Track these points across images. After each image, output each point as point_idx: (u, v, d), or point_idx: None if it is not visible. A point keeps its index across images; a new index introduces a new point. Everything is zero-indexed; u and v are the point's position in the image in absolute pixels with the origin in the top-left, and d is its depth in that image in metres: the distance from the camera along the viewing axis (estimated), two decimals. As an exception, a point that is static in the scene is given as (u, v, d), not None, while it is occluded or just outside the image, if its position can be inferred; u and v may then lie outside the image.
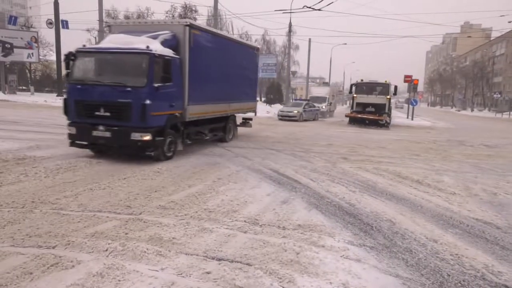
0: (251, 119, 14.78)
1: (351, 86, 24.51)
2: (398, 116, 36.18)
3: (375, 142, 15.23)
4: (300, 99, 37.68)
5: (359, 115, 23.08)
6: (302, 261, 4.04)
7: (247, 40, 54.63)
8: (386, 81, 23.61)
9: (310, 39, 48.67)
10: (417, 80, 31.02)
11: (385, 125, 22.29)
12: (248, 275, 3.68)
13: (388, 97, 23.04)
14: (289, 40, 45.01)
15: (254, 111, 14.91)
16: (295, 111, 26.38)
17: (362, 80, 24.32)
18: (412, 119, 31.28)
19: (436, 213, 6.00)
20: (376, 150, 12.84)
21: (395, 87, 23.89)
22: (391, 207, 6.21)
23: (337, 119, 30.77)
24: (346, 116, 24.27)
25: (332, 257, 4.20)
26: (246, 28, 71.99)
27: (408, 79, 30.57)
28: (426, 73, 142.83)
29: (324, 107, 32.13)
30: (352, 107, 24.34)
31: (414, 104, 31.01)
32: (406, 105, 46.28)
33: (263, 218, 5.38)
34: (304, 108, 27.03)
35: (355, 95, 23.86)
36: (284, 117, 26.24)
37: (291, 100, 37.03)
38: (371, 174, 8.64)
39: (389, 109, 23.45)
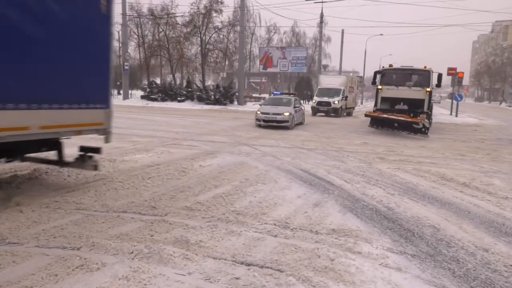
0: (98, 149, 6.92)
1: (375, 74, 17.77)
2: (440, 113, 35.10)
3: (414, 140, 14.86)
4: (280, 93, 25.24)
5: (385, 115, 16.57)
6: (337, 268, 3.99)
7: (275, 33, 54.70)
8: (425, 67, 17.11)
9: (343, 30, 48.09)
10: (462, 73, 29.94)
11: (423, 131, 15.59)
12: (279, 282, 3.67)
13: (429, 89, 16.39)
14: (321, 31, 44.65)
15: (105, 132, 7.15)
16: (286, 112, 17.45)
17: (390, 66, 17.89)
18: (456, 115, 30.29)
19: (486, 219, 5.77)
20: (416, 149, 12.52)
21: (439, 76, 16.89)
22: (434, 212, 6.03)
23: (353, 119, 26.78)
24: (366, 115, 17.70)
25: (370, 265, 4.12)
26: (274, 20, 71.85)
27: (452, 72, 29.57)
28: (472, 65, 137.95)
29: (337, 102, 26.44)
30: (375, 104, 17.67)
31: (459, 99, 30.02)
32: (447, 101, 44.83)
33: (294, 222, 5.36)
34: (294, 107, 18.71)
35: (379, 87, 17.21)
36: (268, 123, 17.27)
37: (271, 95, 25.12)
38: (411, 176, 8.43)
39: (430, 107, 17.11)
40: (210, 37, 41.85)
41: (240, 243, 4.55)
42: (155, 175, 7.69)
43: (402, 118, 15.80)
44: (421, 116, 15.92)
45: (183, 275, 3.75)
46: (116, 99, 33.04)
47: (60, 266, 3.82)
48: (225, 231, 4.85)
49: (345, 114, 28.38)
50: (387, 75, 17.41)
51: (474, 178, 8.33)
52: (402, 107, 16.72)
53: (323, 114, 27.36)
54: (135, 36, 44.75)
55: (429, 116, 16.73)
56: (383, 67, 18.30)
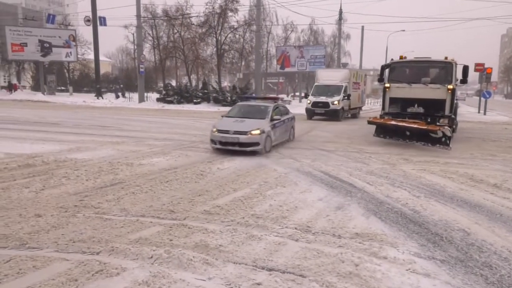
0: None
1: (382, 68, 14.02)
2: (467, 111, 34.36)
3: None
4: (255, 97, 17.58)
5: (392, 122, 12.81)
6: (362, 274, 3.95)
7: (292, 31, 54.62)
8: (447, 58, 13.21)
9: (363, 27, 47.68)
10: (491, 68, 29.22)
11: (443, 142, 11.66)
12: (302, 287, 3.66)
13: (451, 86, 12.60)
14: (339, 28, 44.34)
15: None
16: (255, 130, 10.79)
17: (402, 58, 13.90)
18: (484, 113, 29.59)
19: (520, 223, 5.62)
20: (442, 150, 12.28)
21: (465, 69, 12.73)
22: (463, 215, 5.91)
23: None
24: (370, 122, 13.65)
25: (397, 270, 4.07)
26: (292, 18, 71.79)
27: (479, 67, 28.90)
28: (500, 60, 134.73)
29: (336, 102, 21.84)
30: (383, 106, 13.93)
31: (487, 96, 29.31)
32: (474, 98, 43.86)
33: (315, 225, 5.33)
34: (272, 120, 11.70)
35: (387, 85, 13.57)
36: (227, 146, 10.78)
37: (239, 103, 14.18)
38: (438, 177, 8.28)
39: (453, 109, 13.30)
40: (225, 37, 42.08)
41: (260, 247, 4.55)
42: (173, 178, 7.76)
43: (415, 126, 11.99)
44: (441, 121, 12.50)
45: (204, 280, 3.78)
46: (132, 102, 33.57)
47: (80, 271, 3.90)
48: (245, 236, 4.86)
49: (349, 115, 24.20)
50: (397, 70, 13.56)
51: (506, 179, 8.12)
52: (416, 110, 13.00)
53: (320, 117, 22.56)
54: (150, 38, 45.38)
55: (452, 121, 12.90)
56: (391, 59, 14.19)
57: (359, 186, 7.54)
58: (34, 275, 3.83)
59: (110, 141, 12.10)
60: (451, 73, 12.75)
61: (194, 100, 33.94)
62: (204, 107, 31.67)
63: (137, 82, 37.17)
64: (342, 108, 22.37)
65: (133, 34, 43.64)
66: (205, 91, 35.83)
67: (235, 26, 42.58)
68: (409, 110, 13.14)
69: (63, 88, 49.88)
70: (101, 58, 47.68)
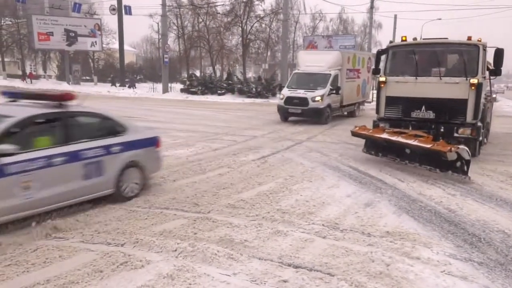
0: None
1: (378, 54, 10.16)
2: (507, 105, 33.17)
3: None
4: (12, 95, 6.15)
5: (383, 136, 8.84)
6: (393, 274, 3.88)
7: (320, 20, 53.96)
8: (470, 39, 9.14)
9: (395, 16, 46.55)
10: (534, 59, 28.03)
11: (460, 168, 7.67)
12: (330, 286, 3.63)
13: (476, 80, 8.64)
14: (371, 17, 43.49)
15: None
16: None
17: (404, 40, 9.85)
18: (526, 107, 28.49)
19: None
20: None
21: (498, 56, 8.86)
22: (503, 215, 5.71)
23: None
24: (354, 134, 9.62)
25: (431, 271, 3.97)
26: (320, 6, 70.84)
27: (521, 58, 27.77)
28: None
29: (319, 98, 15.80)
30: (377, 109, 9.89)
31: (529, 89, 28.13)
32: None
33: (344, 222, 5.27)
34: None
35: (382, 79, 9.65)
36: None
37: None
38: (475, 175, 8.01)
39: (479, 112, 8.97)
40: (251, 27, 41.95)
41: (286, 243, 4.53)
42: (197, 170, 7.82)
43: (415, 142, 8.00)
44: (460, 132, 8.71)
45: (228, 275, 3.79)
46: (156, 93, 34.02)
47: (105, 262, 3.99)
48: (271, 231, 4.85)
49: (345, 113, 18.46)
50: (398, 57, 9.70)
51: (550, 178, 7.79)
52: (424, 114, 9.03)
53: (297, 118, 16.44)
54: (175, 28, 45.68)
55: (477, 131, 8.83)
56: (390, 41, 11.14)
57: (389, 182, 7.40)
58: (60, 265, 3.94)
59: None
60: (477, 61, 8.74)
61: (219, 91, 34.06)
62: (228, 98, 31.76)
63: (161, 72, 37.59)
64: (329, 106, 16.09)
65: (158, 23, 44.12)
66: (230, 82, 35.89)
67: (261, 15, 42.37)
68: (414, 115, 9.08)
69: (87, 77, 51.02)
70: (126, 47, 48.42)
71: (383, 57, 9.82)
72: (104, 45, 46.50)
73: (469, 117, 8.68)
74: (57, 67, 53.35)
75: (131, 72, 51.37)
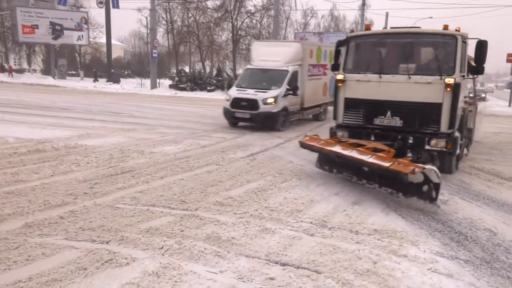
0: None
1: (337, 47, 8.26)
2: (496, 104, 33.66)
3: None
4: None
5: (334, 149, 7.00)
6: (380, 272, 3.92)
7: (312, 17, 54.07)
8: (447, 28, 7.41)
9: (387, 13, 46.83)
10: (524, 59, 28.45)
11: (427, 194, 5.91)
12: (317, 284, 3.66)
13: (452, 79, 6.99)
14: (362, 15, 43.69)
15: None
16: None
17: (368, 28, 8.47)
18: (515, 107, 28.91)
19: (551, 224, 5.50)
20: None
21: (480, 49, 7.10)
22: (490, 214, 5.81)
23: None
24: (302, 145, 7.88)
25: (417, 269, 4.03)
26: (312, 3, 70.95)
27: None
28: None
29: (271, 100, 13.10)
30: (334, 115, 8.24)
31: (519, 88, 28.58)
32: (505, 91, 42.80)
33: (332, 220, 5.32)
34: None
35: (339, 77, 7.99)
36: None
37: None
38: (463, 174, 8.14)
39: (455, 119, 7.29)
40: (242, 22, 41.87)
41: (274, 241, 4.56)
42: (185, 167, 7.81)
43: (370, 159, 6.32)
44: (432, 143, 7.20)
45: (215, 273, 3.81)
46: (144, 88, 33.80)
47: (89, 260, 3.97)
48: (259, 228, 4.87)
49: (310, 116, 16.18)
50: (360, 50, 8.19)
51: (537, 177, 7.94)
52: (390, 121, 7.48)
53: (247, 123, 13.81)
54: (164, 22, 45.44)
55: (454, 144, 7.25)
56: (351, 30, 8.63)
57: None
58: (43, 263, 3.91)
59: (121, 128, 12.23)
60: (454, 56, 7.17)
61: (208, 88, 33.97)
62: (218, 94, 31.70)
63: (149, 68, 37.37)
64: (284, 109, 13.50)
65: (146, 17, 43.78)
66: (220, 78, 35.83)
67: (252, 11, 42.31)
68: (377, 122, 7.55)
69: (74, 72, 50.50)
70: (113, 42, 48.05)
71: (343, 51, 8.05)
72: (91, 39, 46.05)
73: (443, 126, 7.10)
74: (42, 61, 52.69)
75: (118, 67, 50.93)
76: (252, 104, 13.01)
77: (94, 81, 38.50)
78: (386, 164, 5.96)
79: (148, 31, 42.67)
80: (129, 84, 38.97)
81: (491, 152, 10.81)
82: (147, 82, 36.84)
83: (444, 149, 7.15)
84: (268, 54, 14.47)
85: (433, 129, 7.16)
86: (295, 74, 14.09)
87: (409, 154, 7.33)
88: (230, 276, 3.77)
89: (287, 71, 13.81)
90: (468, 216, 5.68)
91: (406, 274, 3.90)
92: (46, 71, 47.91)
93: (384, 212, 5.75)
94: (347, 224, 5.21)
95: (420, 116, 7.25)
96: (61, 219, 4.98)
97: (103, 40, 44.09)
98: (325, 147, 7.20)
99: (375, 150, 6.60)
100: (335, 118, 8.13)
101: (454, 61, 7.16)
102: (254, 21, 43.20)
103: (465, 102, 8.49)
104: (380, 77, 7.48)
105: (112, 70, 40.88)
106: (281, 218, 5.29)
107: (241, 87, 13.84)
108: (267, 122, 13.20)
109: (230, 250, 4.28)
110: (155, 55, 34.35)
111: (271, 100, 13.02)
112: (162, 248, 4.25)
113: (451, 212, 5.81)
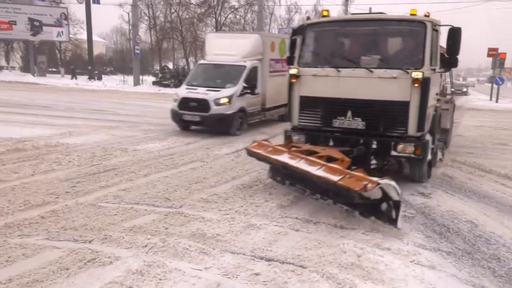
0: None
1: (293, 34, 7.25)
2: (478, 98, 34.28)
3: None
4: None
5: (281, 158, 5.99)
6: (364, 265, 3.97)
7: (296, 12, 54.22)
8: (414, 13, 6.45)
9: (370, 8, 47.20)
10: (505, 54, 29.06)
11: (386, 214, 4.99)
12: (302, 278, 3.69)
13: (420, 73, 6.05)
14: (346, 10, 43.87)
15: None
16: None
17: (325, 15, 7.23)
18: (496, 101, 29.49)
19: (530, 215, 5.65)
20: (451, 138, 12.27)
21: (453, 37, 6.33)
22: (471, 206, 5.93)
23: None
24: (249, 153, 6.74)
25: (401, 262, 4.09)
26: (295, -2, 70.96)
27: (493, 53, 28.76)
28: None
29: (225, 100, 11.42)
30: (289, 115, 7.33)
31: (500, 83, 29.16)
32: (486, 85, 43.55)
33: (317, 215, 5.35)
34: None
35: (293, 71, 7.01)
36: None
37: None
38: (446, 167, 8.27)
39: (424, 119, 6.27)
40: (226, 18, 41.76)
41: (259, 237, 4.58)
42: (170, 164, 7.78)
43: (319, 172, 5.25)
44: (399, 148, 6.36)
45: (200, 270, 3.81)
46: (127, 85, 33.45)
47: (71, 259, 3.93)
48: (244, 225, 4.88)
49: (275, 117, 14.40)
50: (317, 40, 7.22)
51: (517, 170, 8.12)
52: (350, 123, 6.59)
53: (198, 127, 12.10)
54: (146, 18, 45.00)
55: (424, 148, 6.36)
56: (307, 17, 7.93)
57: (363, 175, 7.54)
58: (23, 263, 3.86)
59: (103, 126, 12.09)
60: (423, 45, 6.23)
61: (192, 84, 33.79)
62: (202, 91, 31.56)
63: (132, 65, 36.98)
64: (242, 110, 11.86)
65: (128, 13, 43.23)
66: (204, 74, 35.63)
67: (235, 6, 42.23)
68: (337, 124, 6.64)
69: (54, 69, 49.63)
70: (95, 38, 47.33)
71: (299, 41, 7.02)
72: (71, 35, 45.26)
73: (411, 128, 6.20)
74: (21, 58, 51.62)
75: (100, 64, 50.31)
76: (202, 105, 11.29)
77: (72, 78, 37.85)
78: (335, 178, 4.93)
79: (130, 27, 42.17)
80: (111, 81, 38.48)
81: (472, 145, 11.02)
82: (130, 79, 36.43)
83: (412, 155, 6.28)
84: (223, 47, 12.76)
85: (400, 132, 6.30)
86: (253, 70, 12.46)
87: (373, 161, 6.61)
88: (215, 272, 3.78)
89: (244, 66, 12.16)
90: (450, 208, 5.78)
91: (389, 267, 3.96)
92: (25, 69, 47.00)
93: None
94: (331, 218, 5.25)
95: (385, 117, 6.36)
96: (42, 219, 4.92)
97: (84, 36, 43.34)
98: (271, 156, 6.13)
99: (330, 159, 5.61)
100: (290, 119, 7.21)
101: (422, 52, 6.20)
102: (238, 16, 43.17)
103: (438, 99, 7.47)
104: (339, 71, 6.52)
105: (90, 67, 40.15)
106: (266, 214, 5.31)
107: (192, 86, 12.16)
108: (220, 126, 11.51)
109: (215, 247, 4.28)
110: (137, 51, 33.98)
111: (224, 100, 11.37)
112: (146, 246, 4.23)
113: (433, 205, 5.90)
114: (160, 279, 3.60)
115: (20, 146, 8.61)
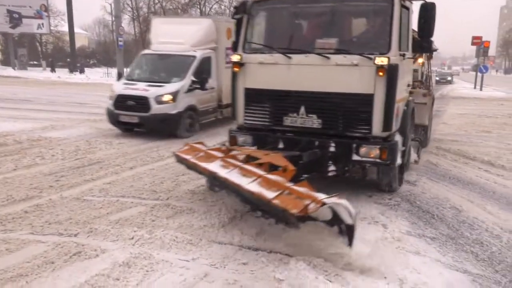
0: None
1: (235, 13, 5.98)
2: (463, 87, 34.74)
3: (433, 116, 14.71)
4: None
5: (213, 168, 4.71)
6: (345, 252, 4.01)
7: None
8: None
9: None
10: (488, 42, 29.44)
11: (345, 230, 3.80)
12: (289, 267, 3.72)
13: (385, 59, 4.94)
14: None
15: None
16: None
17: None
18: (481, 89, 29.92)
19: (513, 200, 5.79)
20: (436, 126, 12.44)
21: (425, 15, 5.24)
22: (456, 193, 6.04)
23: None
24: (178, 158, 5.63)
25: (385, 248, 4.16)
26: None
27: (477, 41, 29.09)
28: (499, 33, 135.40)
29: (169, 98, 9.73)
30: (232, 111, 6.13)
31: (484, 71, 29.56)
32: (471, 73, 44.14)
33: (304, 205, 5.38)
34: None
35: (235, 58, 5.80)
36: None
37: None
38: (430, 155, 8.39)
39: (393, 116, 5.20)
40: (210, 9, 41.49)
41: (247, 227, 4.59)
42: (156, 157, 7.75)
43: (250, 187, 4.06)
44: (362, 153, 5.30)
45: (187, 261, 3.82)
46: (111, 78, 33.07)
47: (57, 253, 3.91)
48: (231, 216, 4.89)
49: (226, 115, 11.28)
50: (265, 20, 6.16)
51: (500, 156, 8.29)
52: (304, 121, 5.47)
53: (139, 129, 10.08)
54: (129, 9, 44.45)
55: (392, 152, 5.27)
56: None
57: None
58: (7, 258, 3.82)
59: (87, 119, 11.96)
60: (389, 26, 5.18)
61: (177, 76, 33.56)
62: (188, 83, 31.39)
63: (115, 57, 36.51)
64: (191, 108, 10.23)
65: (110, 4, 42.54)
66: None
67: (220, -4, 41.87)
68: (288, 122, 5.56)
69: (35, 62, 48.79)
70: (76, 30, 46.65)
71: (244, 22, 5.87)
72: (52, 28, 44.57)
73: (376, 128, 5.15)
74: (1, 51, 50.70)
75: (83, 56, 49.59)
76: (141, 103, 9.57)
77: (51, 71, 37.22)
78: (270, 195, 3.80)
79: (113, 19, 41.58)
80: (95, 74, 38.02)
81: (457, 133, 11.20)
82: (114, 71, 35.98)
83: (378, 160, 5.22)
84: (170, 35, 10.93)
85: (363, 131, 5.23)
86: (205, 61, 10.72)
87: (332, 168, 5.49)
88: (202, 263, 3.80)
89: (194, 57, 10.43)
90: (435, 195, 5.88)
91: (374, 254, 4.00)
92: (5, 62, 46.16)
93: (354, 195, 5.86)
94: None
95: (345, 114, 5.27)
96: (25, 214, 4.87)
97: (65, 28, 42.73)
98: (199, 163, 4.97)
99: (273, 167, 4.56)
100: (234, 117, 6.06)
101: (389, 33, 5.10)
102: (222, 7, 42.84)
103: (411, 92, 6.63)
104: (290, 57, 5.40)
105: (69, 60, 39.56)
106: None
107: (132, 80, 10.54)
108: (164, 128, 9.80)
109: (202, 238, 4.29)
110: (121, 43, 33.47)
111: (167, 98, 9.68)
112: (132, 238, 4.22)
113: (418, 193, 5.99)
114: (147, 271, 3.61)
115: (1, 141, 8.48)
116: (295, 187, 3.90)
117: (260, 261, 3.83)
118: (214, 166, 4.73)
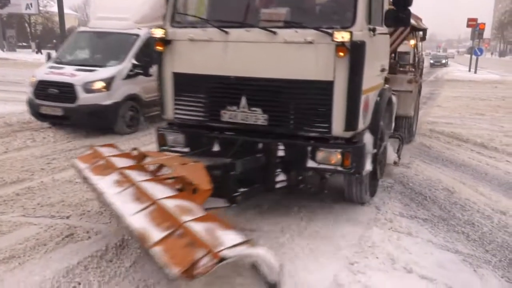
0: None
1: None
2: (458, 70, 34.76)
3: (427, 99, 14.77)
4: None
5: (103, 188, 3.36)
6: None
7: None
8: None
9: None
10: (484, 24, 29.38)
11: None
12: (282, 240, 3.76)
13: (347, 34, 3.58)
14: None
15: None
16: None
17: None
18: (475, 72, 29.97)
19: (505, 181, 5.87)
20: (430, 108, 12.49)
21: None
22: (448, 175, 6.10)
23: None
24: (76, 168, 4.10)
25: (378, 229, 4.21)
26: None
27: (472, 23, 29.03)
28: (494, 15, 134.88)
29: (101, 85, 7.84)
30: (161, 104, 4.76)
31: (479, 54, 29.56)
32: (465, 56, 44.10)
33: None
34: None
35: (159, 34, 4.44)
36: None
37: None
38: (424, 137, 8.44)
39: (359, 109, 3.93)
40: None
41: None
42: (149, 141, 7.73)
43: (132, 218, 2.85)
44: (319, 159, 4.02)
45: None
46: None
47: (49, 235, 3.92)
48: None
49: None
50: None
51: (493, 138, 8.36)
52: (246, 116, 4.19)
53: (64, 122, 8.27)
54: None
55: (358, 156, 4.03)
56: None
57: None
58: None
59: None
60: None
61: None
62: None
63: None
64: (132, 98, 8.43)
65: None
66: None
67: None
68: (227, 117, 4.29)
69: (25, 44, 48.04)
70: (66, 11, 45.74)
71: None
72: (41, 8, 43.74)
73: (337, 125, 3.94)
74: (-12, 32, 49.73)
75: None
76: (65, 92, 7.84)
77: (37, 52, 36.65)
78: (154, 237, 2.61)
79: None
80: (85, 56, 37.55)
81: (451, 115, 11.26)
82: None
83: (339, 168, 4.01)
84: (111, 9, 9.01)
85: (320, 130, 4.01)
86: (152, 42, 7.14)
87: (281, 177, 4.26)
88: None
89: (137, 35, 8.61)
90: (428, 177, 5.93)
91: (367, 234, 4.06)
92: (-7, 43, 45.30)
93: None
94: (307, 188, 5.22)
95: (296, 108, 4.04)
96: (17, 196, 4.86)
97: (55, 9, 41.83)
98: (91, 176, 3.70)
99: (179, 187, 3.38)
100: (161, 111, 4.78)
101: (354, 3, 3.86)
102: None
103: (386, 78, 5.25)
104: (227, 32, 4.13)
105: (54, 41, 38.90)
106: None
107: (60, 63, 8.67)
108: (94, 122, 8.02)
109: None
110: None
111: (99, 85, 7.89)
112: (125, 220, 4.22)
113: (411, 175, 6.04)
114: (141, 252, 3.62)
115: (-9, 123, 8.40)
116: (193, 225, 2.64)
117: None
118: (105, 182, 3.45)
